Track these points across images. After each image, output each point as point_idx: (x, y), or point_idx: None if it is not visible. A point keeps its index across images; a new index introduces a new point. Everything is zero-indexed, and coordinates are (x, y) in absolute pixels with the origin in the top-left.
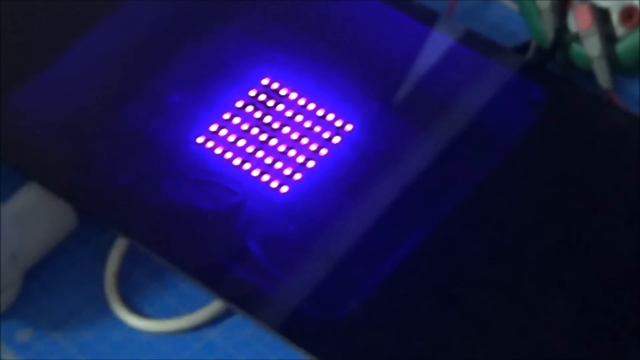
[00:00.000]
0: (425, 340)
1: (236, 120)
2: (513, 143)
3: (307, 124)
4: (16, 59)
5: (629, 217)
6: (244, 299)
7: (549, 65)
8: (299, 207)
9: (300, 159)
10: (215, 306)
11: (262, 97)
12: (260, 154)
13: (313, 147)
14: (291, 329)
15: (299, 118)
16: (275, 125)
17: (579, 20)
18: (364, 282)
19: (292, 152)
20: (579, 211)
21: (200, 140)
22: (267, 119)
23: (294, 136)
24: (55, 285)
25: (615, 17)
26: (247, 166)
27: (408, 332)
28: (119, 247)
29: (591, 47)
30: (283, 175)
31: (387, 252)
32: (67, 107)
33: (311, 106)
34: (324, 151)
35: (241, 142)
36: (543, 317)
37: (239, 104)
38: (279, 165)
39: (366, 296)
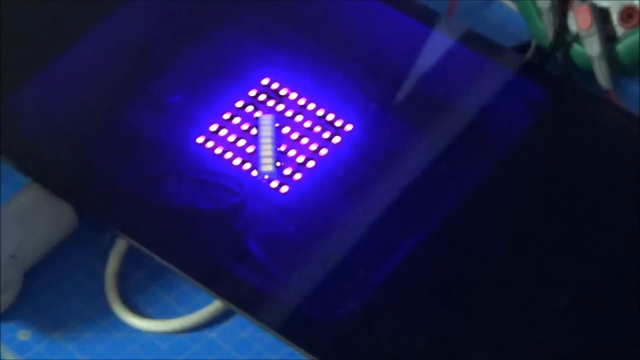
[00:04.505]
0: (425, 340)
1: (236, 120)
2: (513, 143)
3: (307, 124)
4: (16, 59)
5: (628, 217)
6: (244, 299)
7: (549, 65)
8: (299, 207)
9: (300, 159)
10: (215, 306)
11: (262, 97)
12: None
13: (313, 147)
14: (291, 329)
15: (299, 118)
16: (276, 125)
17: (579, 20)
18: (364, 282)
19: (292, 152)
20: (579, 211)
21: (200, 140)
22: None
23: (294, 136)
24: (55, 285)
25: (615, 17)
26: (247, 166)
27: (408, 332)
28: (119, 247)
29: (591, 47)
30: (283, 175)
31: (387, 252)
32: (67, 107)
33: (311, 106)
34: (324, 151)
35: (241, 142)
36: (543, 317)
37: (239, 104)
38: (279, 164)
39: (366, 296)
